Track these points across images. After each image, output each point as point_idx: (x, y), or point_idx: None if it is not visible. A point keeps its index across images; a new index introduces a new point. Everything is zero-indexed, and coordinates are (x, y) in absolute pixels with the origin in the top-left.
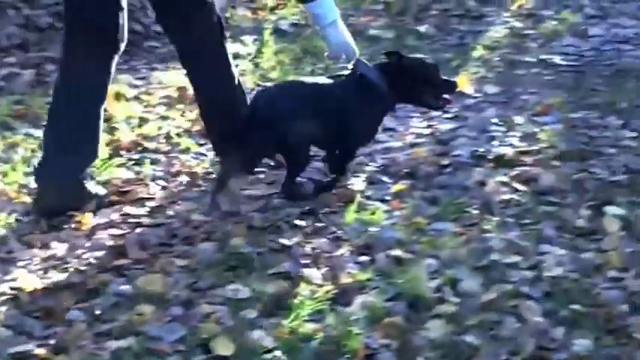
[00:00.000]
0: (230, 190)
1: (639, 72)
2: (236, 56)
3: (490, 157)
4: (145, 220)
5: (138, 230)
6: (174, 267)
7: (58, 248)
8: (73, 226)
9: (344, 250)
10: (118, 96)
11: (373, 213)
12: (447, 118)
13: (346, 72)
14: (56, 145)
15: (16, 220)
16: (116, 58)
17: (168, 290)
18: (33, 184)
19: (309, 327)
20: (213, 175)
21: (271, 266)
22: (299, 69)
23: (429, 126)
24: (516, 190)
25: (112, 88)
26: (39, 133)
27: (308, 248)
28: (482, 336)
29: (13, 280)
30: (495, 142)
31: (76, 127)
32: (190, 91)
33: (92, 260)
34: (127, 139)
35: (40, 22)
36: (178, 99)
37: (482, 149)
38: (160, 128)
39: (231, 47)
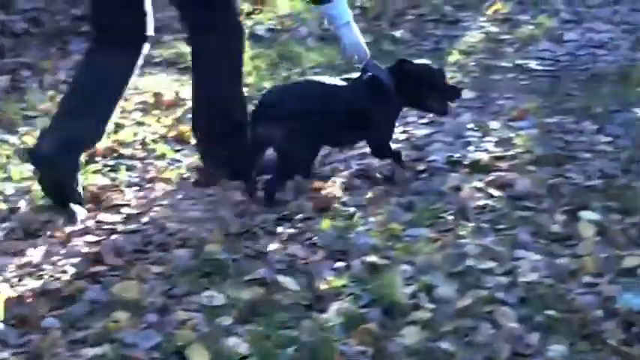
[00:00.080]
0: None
1: (614, 77)
2: None
3: (465, 162)
4: (121, 227)
5: (113, 237)
6: (149, 274)
7: (34, 255)
8: (48, 233)
9: (319, 257)
10: None
11: (349, 219)
12: (423, 124)
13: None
14: (60, 125)
15: None
16: (139, 61)
17: (143, 297)
18: (9, 191)
19: (285, 334)
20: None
21: (247, 273)
22: (275, 74)
23: (405, 131)
24: (491, 196)
25: None
26: (14, 139)
27: (283, 255)
28: (457, 342)
29: None
30: (471, 148)
31: (85, 115)
32: (166, 97)
33: (67, 267)
34: (102, 145)
35: (16, 28)
36: (154, 105)
37: (457, 155)
38: (135, 134)
39: None
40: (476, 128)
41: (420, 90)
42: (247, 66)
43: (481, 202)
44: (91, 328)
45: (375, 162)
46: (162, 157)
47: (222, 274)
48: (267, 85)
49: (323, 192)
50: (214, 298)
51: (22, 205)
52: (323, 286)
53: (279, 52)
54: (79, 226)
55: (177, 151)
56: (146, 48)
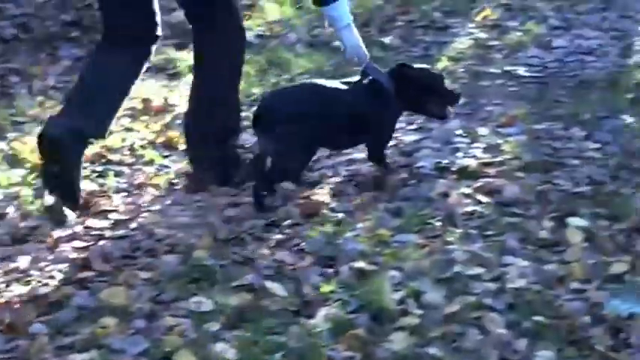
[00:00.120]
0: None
1: (602, 83)
2: None
3: (454, 168)
4: (109, 233)
5: (101, 243)
6: (137, 279)
7: (21, 261)
8: (36, 239)
9: (307, 262)
10: None
11: (337, 225)
12: (411, 130)
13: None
14: (68, 114)
15: None
16: (147, 61)
17: (131, 303)
18: None
19: (273, 339)
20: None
21: (235, 279)
22: (264, 80)
23: (393, 137)
24: (480, 202)
25: None
26: (3, 145)
27: (271, 260)
28: (445, 348)
29: None
30: (459, 154)
31: (90, 111)
32: (154, 102)
33: (55, 273)
34: (90, 150)
35: (5, 34)
36: (143, 111)
37: (446, 161)
38: (123, 140)
39: None
40: (464, 134)
41: (420, 94)
42: None
43: (469, 209)
44: (78, 333)
45: (363, 168)
46: (151, 162)
47: (210, 280)
48: (256, 91)
49: (311, 198)
50: (202, 304)
51: (10, 210)
52: (311, 292)
53: (268, 59)
54: (66, 232)
55: (166, 156)
56: (154, 48)
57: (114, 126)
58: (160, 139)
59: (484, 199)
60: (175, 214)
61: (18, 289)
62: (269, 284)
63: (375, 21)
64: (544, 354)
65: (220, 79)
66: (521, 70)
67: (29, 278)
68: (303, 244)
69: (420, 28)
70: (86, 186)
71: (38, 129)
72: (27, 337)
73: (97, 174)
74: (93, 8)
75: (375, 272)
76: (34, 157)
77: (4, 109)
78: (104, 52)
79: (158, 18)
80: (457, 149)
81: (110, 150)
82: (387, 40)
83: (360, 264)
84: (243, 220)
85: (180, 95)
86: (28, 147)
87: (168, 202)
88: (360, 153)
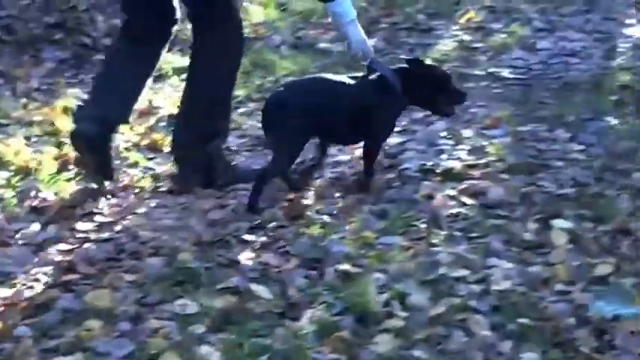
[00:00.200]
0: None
1: (587, 85)
2: (185, 70)
3: (438, 170)
4: (94, 235)
5: (86, 245)
6: (122, 282)
7: (6, 264)
8: (21, 241)
9: (292, 265)
10: (67, 110)
11: (322, 227)
12: (396, 132)
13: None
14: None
15: None
16: (164, 50)
17: (116, 305)
18: None
19: (258, 342)
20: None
21: (219, 281)
22: (249, 82)
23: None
24: (464, 204)
25: (60, 102)
26: None
27: (256, 263)
28: (430, 350)
29: None
30: (444, 156)
31: (112, 98)
32: (139, 105)
33: (40, 276)
34: (74, 153)
35: None
36: None
37: (430, 163)
38: None
39: (181, 61)
40: (449, 136)
41: (429, 91)
42: None
43: (454, 211)
44: (63, 336)
45: (349, 170)
46: (135, 165)
47: (195, 283)
48: (241, 92)
49: (296, 200)
50: (187, 307)
51: None
52: (296, 295)
53: (253, 60)
54: (51, 235)
55: (151, 159)
56: (170, 37)
57: None
58: (145, 142)
59: (469, 201)
60: (160, 217)
61: (3, 292)
62: (254, 287)
63: (359, 23)
64: (529, 356)
65: (220, 79)
66: (506, 72)
67: (14, 281)
68: (288, 246)
69: (404, 30)
70: (71, 188)
71: (22, 131)
72: (12, 340)
73: (81, 176)
74: (77, 10)
75: (360, 274)
76: (18, 160)
77: None
78: (126, 43)
79: (178, 13)
80: (442, 151)
81: None
82: (371, 42)
83: (345, 266)
84: (228, 223)
85: (164, 97)
86: (11, 149)
87: (153, 204)
88: (345, 155)
